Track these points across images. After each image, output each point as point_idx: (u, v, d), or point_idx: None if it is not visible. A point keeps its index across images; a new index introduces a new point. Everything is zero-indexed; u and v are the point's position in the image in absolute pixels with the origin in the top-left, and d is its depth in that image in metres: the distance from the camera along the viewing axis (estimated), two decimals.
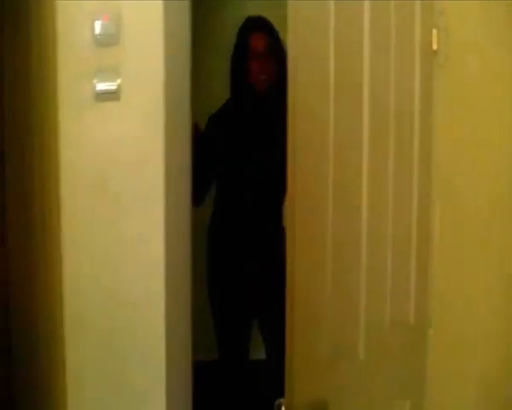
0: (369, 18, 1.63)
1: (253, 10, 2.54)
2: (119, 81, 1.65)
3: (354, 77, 1.59)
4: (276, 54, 2.31)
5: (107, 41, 1.65)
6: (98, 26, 1.64)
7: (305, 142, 1.39)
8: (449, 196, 1.81)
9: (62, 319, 1.65)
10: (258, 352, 2.43)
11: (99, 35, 1.65)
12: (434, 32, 1.81)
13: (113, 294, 1.67)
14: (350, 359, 1.59)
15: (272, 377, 1.62)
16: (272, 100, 2.26)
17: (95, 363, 1.68)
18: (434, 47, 1.81)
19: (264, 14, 2.41)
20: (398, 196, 1.75)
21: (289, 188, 1.33)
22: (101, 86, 1.65)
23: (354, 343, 1.60)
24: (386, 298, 1.74)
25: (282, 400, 1.34)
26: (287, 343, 1.36)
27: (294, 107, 1.33)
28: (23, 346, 1.55)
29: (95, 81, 1.64)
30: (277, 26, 2.32)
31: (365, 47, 1.63)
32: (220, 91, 2.36)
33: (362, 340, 1.65)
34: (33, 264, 1.56)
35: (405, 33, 1.76)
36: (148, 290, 1.67)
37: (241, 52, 2.37)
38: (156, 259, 1.66)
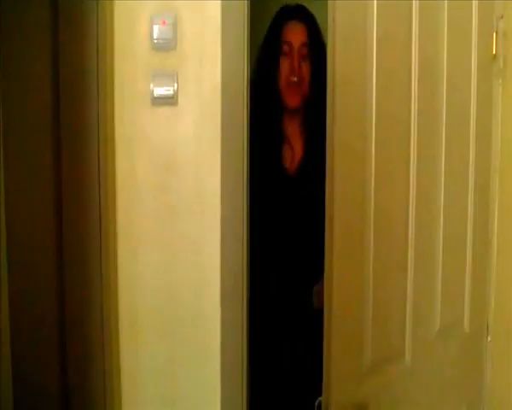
0: (419, 21, 1.60)
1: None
2: (175, 86, 1.64)
3: (403, 86, 1.59)
4: (316, 53, 1.94)
5: (165, 45, 1.64)
6: (156, 31, 1.63)
7: (345, 152, 1.38)
8: (508, 200, 1.79)
9: (117, 321, 1.65)
10: None
11: (156, 39, 1.63)
12: (494, 36, 1.80)
13: (168, 298, 1.66)
14: (395, 364, 1.60)
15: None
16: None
17: (149, 364, 1.67)
18: (493, 51, 1.80)
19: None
20: (453, 200, 1.74)
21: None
22: (158, 91, 1.64)
23: (399, 349, 1.62)
24: (436, 304, 1.71)
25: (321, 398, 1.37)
26: (324, 347, 1.38)
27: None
28: (77, 349, 1.55)
29: (152, 85, 1.63)
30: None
31: (414, 52, 1.61)
32: None
33: (408, 346, 1.62)
34: (89, 271, 1.55)
35: (463, 37, 1.74)
36: (203, 296, 1.66)
37: (270, 48, 2.00)
38: (212, 264, 1.65)
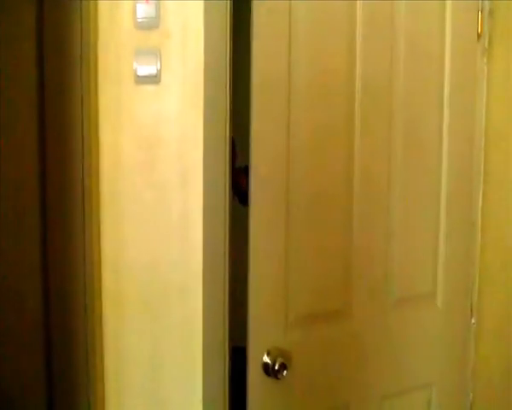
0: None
1: None
2: (159, 64, 1.66)
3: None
4: None
5: (148, 24, 1.66)
6: (139, 9, 1.65)
7: None
8: (493, 178, 1.80)
9: (101, 298, 1.68)
10: None
11: (140, 18, 1.66)
12: (478, 14, 1.80)
13: (150, 276, 1.69)
14: (333, 322, 1.74)
15: None
16: None
17: (133, 341, 1.71)
18: (478, 30, 1.80)
19: None
20: (434, 177, 1.78)
21: None
22: (142, 69, 1.66)
23: (338, 310, 1.75)
24: (395, 273, 1.81)
25: None
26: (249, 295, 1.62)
27: None
28: (61, 329, 1.58)
29: (135, 64, 1.65)
30: None
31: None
32: None
33: (349, 309, 1.76)
34: (72, 248, 1.58)
35: (446, 16, 1.75)
36: (186, 274, 1.69)
37: None
38: (195, 241, 1.68)
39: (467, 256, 1.84)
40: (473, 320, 1.84)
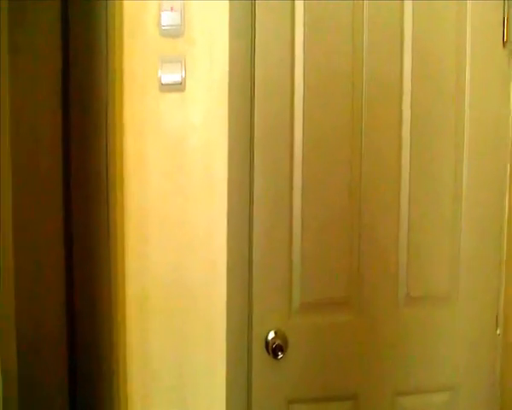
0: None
1: None
2: (183, 72, 1.68)
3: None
4: None
5: (173, 32, 1.67)
6: (164, 17, 1.67)
7: None
8: None
9: (124, 302, 1.70)
10: None
11: (165, 26, 1.67)
12: (504, 22, 1.79)
13: (176, 281, 1.71)
14: (334, 313, 1.78)
15: None
16: None
17: (156, 344, 1.73)
18: (504, 38, 1.79)
19: None
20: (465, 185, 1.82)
21: None
22: (166, 77, 1.68)
23: (341, 301, 1.79)
24: (406, 271, 1.81)
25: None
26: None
27: None
28: (85, 331, 1.60)
29: (160, 72, 1.67)
30: None
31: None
32: None
33: (355, 301, 1.79)
34: (97, 255, 1.60)
35: (471, 25, 1.75)
36: (210, 279, 1.71)
37: None
38: (219, 248, 1.71)
39: (493, 263, 1.82)
40: (498, 331, 1.83)
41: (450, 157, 1.80)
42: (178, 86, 1.70)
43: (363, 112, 1.73)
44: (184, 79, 1.70)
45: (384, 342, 1.80)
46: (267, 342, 1.73)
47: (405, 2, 1.74)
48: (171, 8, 1.68)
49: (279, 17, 1.69)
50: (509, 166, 1.82)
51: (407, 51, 1.74)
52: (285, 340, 1.73)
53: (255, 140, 1.70)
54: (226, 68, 1.69)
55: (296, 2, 1.69)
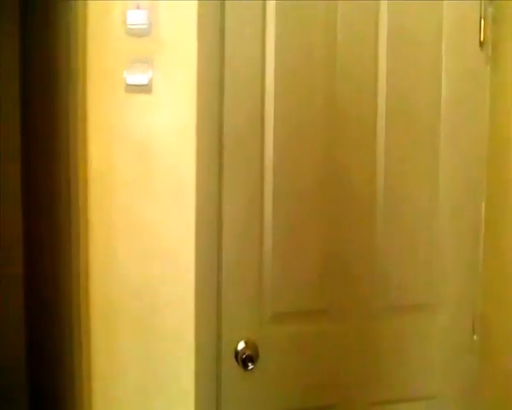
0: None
1: None
2: (150, 73, 1.62)
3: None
4: None
5: (140, 31, 1.61)
6: (130, 16, 1.60)
7: None
8: (497, 192, 1.75)
9: (89, 315, 1.64)
10: None
11: (131, 25, 1.61)
12: (481, 21, 1.75)
13: (144, 288, 1.66)
14: (306, 322, 1.73)
15: None
16: None
17: (123, 357, 1.67)
18: (481, 38, 1.75)
19: None
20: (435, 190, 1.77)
21: None
22: (132, 78, 1.62)
23: (314, 310, 1.74)
24: (384, 282, 1.78)
25: None
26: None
27: None
28: (46, 337, 1.54)
29: (125, 73, 1.61)
30: None
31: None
32: None
33: (331, 310, 1.75)
34: (58, 262, 1.54)
35: (446, 24, 1.71)
36: (178, 289, 1.65)
37: None
38: (187, 255, 1.65)
39: (469, 268, 1.79)
40: (475, 337, 1.79)
41: (426, 161, 1.76)
42: (145, 88, 1.64)
43: (336, 111, 1.69)
44: (151, 80, 1.64)
45: (360, 351, 1.76)
46: (237, 353, 1.68)
47: (381, 2, 1.70)
48: (138, 7, 1.62)
49: (249, 16, 1.64)
50: (485, 170, 1.78)
51: (382, 50, 1.70)
52: (256, 350, 1.68)
53: (225, 143, 1.65)
54: (195, 69, 1.63)
55: (267, 2, 1.64)
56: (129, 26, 1.62)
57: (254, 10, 1.64)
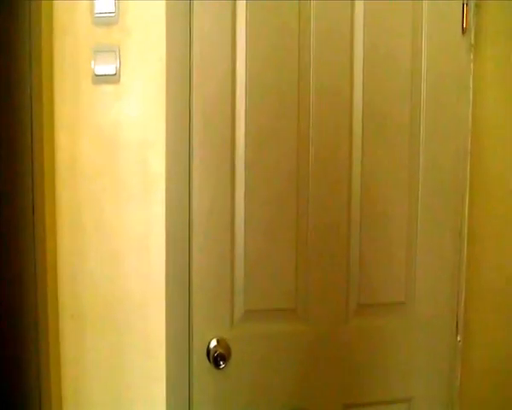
0: None
1: None
2: (118, 63, 1.57)
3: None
4: None
5: (107, 20, 1.57)
6: (97, 4, 1.57)
7: None
8: (480, 185, 1.67)
9: (57, 314, 1.59)
10: None
11: (98, 13, 1.57)
12: (463, 7, 1.68)
13: (110, 288, 1.60)
14: (278, 322, 1.67)
15: None
16: None
17: (92, 357, 1.63)
18: (463, 25, 1.68)
19: None
20: (416, 184, 1.66)
21: None
22: (100, 68, 1.57)
23: (286, 310, 1.67)
24: (357, 280, 1.71)
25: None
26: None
27: None
28: (13, 348, 1.49)
29: (93, 63, 1.57)
30: None
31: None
32: None
33: (302, 312, 1.68)
34: (23, 259, 1.49)
35: (427, 10, 1.64)
36: (148, 284, 1.60)
37: None
38: (157, 251, 1.62)
39: (452, 267, 1.71)
40: (458, 338, 1.72)
41: (405, 156, 1.69)
42: (113, 78, 1.60)
43: (310, 108, 1.63)
44: (119, 69, 1.60)
45: (333, 352, 1.70)
46: (209, 351, 1.63)
47: None
48: None
49: (219, 3, 1.58)
50: (468, 164, 1.71)
51: (358, 42, 1.65)
52: (228, 349, 1.63)
53: (195, 134, 1.60)
54: (163, 58, 1.59)
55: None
56: (96, 15, 1.58)
57: None
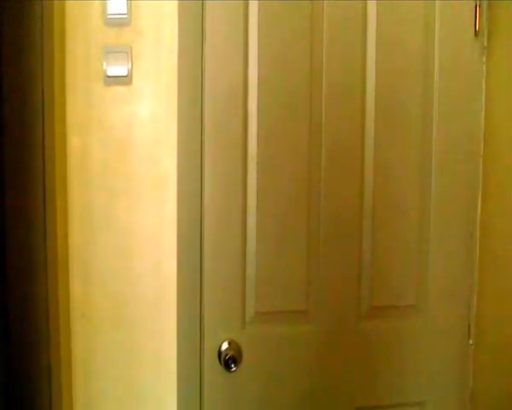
0: None
1: None
2: (130, 64, 1.57)
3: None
4: None
5: (119, 21, 1.57)
6: (109, 5, 1.57)
7: None
8: (493, 188, 1.66)
9: (69, 315, 1.59)
10: None
11: (110, 14, 1.57)
12: (476, 9, 1.67)
13: (121, 287, 1.60)
14: (290, 324, 1.66)
15: None
16: None
17: (103, 356, 1.63)
18: (476, 27, 1.67)
19: None
20: (428, 187, 1.65)
21: None
22: (112, 70, 1.57)
23: (298, 311, 1.66)
24: (369, 282, 1.70)
25: None
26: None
27: None
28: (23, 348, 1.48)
29: (105, 64, 1.56)
30: None
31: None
32: None
33: (314, 313, 1.66)
34: (35, 260, 1.48)
35: (440, 13, 1.63)
36: (159, 283, 1.60)
37: None
38: (168, 249, 1.62)
39: (464, 270, 1.70)
40: (470, 341, 1.70)
41: (417, 157, 1.68)
42: (124, 79, 1.60)
43: (322, 107, 1.62)
44: (131, 71, 1.60)
45: (345, 354, 1.69)
46: (220, 354, 1.62)
47: None
48: None
49: (231, 5, 1.58)
50: (481, 166, 1.70)
51: (371, 44, 1.64)
52: (239, 351, 1.63)
53: (207, 134, 1.59)
54: (175, 59, 1.59)
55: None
56: (108, 17, 1.58)
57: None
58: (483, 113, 1.68)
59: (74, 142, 1.59)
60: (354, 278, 1.67)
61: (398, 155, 1.66)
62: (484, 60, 1.67)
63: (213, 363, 1.62)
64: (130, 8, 1.58)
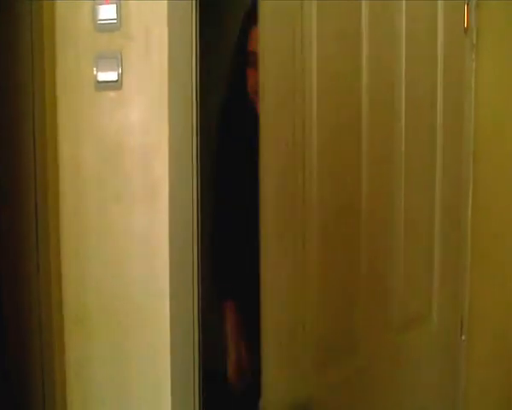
0: None
1: None
2: (120, 69, 1.57)
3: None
4: None
5: (109, 26, 1.56)
6: (99, 11, 1.56)
7: None
8: (483, 186, 1.66)
9: (62, 320, 1.59)
10: None
11: (100, 20, 1.56)
12: (465, 7, 1.67)
13: (115, 293, 1.59)
14: (345, 363, 1.53)
15: None
16: None
17: (97, 362, 1.62)
18: (465, 24, 1.67)
19: None
20: (419, 187, 1.62)
21: None
22: (102, 75, 1.57)
23: (349, 347, 1.54)
24: (395, 297, 1.61)
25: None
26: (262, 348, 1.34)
27: None
28: (17, 350, 1.49)
29: (95, 69, 1.56)
30: None
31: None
32: None
33: (360, 343, 1.56)
34: (27, 265, 1.49)
35: (430, 10, 1.62)
36: (152, 289, 1.59)
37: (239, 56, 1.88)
38: (161, 256, 1.59)
39: (457, 270, 1.70)
40: (463, 337, 1.71)
41: (423, 166, 1.62)
42: (115, 84, 1.59)
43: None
44: (121, 76, 1.59)
45: (383, 380, 1.59)
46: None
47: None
48: (106, 1, 1.57)
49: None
50: (471, 165, 1.70)
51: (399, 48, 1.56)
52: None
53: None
54: (166, 64, 1.58)
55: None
56: (98, 22, 1.58)
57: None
58: (473, 109, 1.69)
59: (65, 147, 1.59)
60: (385, 298, 1.57)
61: (421, 164, 1.63)
62: (473, 57, 1.68)
63: None
64: (120, 12, 1.58)
